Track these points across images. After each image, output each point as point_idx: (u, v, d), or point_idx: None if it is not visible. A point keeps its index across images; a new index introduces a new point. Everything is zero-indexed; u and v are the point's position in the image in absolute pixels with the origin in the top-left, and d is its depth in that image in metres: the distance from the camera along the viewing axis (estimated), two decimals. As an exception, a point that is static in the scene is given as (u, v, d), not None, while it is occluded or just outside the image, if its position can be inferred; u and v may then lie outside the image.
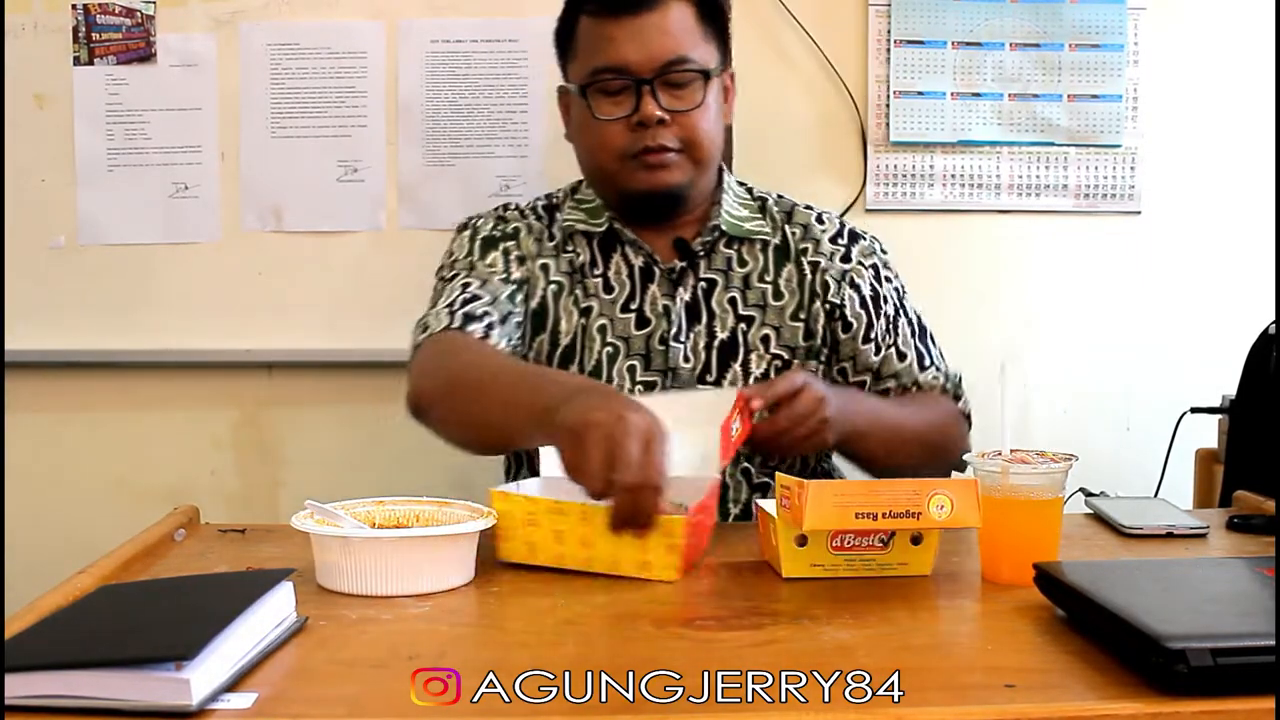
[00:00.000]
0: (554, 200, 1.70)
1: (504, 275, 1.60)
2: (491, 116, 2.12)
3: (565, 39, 1.64)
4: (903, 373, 1.64)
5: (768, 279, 1.63)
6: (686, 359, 1.60)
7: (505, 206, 1.70)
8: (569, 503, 1.17)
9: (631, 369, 1.60)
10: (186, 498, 1.50)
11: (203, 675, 0.84)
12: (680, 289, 1.62)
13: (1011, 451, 1.18)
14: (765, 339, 1.61)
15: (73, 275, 2.12)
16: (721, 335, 1.61)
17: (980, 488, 1.15)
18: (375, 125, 2.12)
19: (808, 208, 1.70)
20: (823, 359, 1.63)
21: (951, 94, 2.14)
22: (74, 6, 2.09)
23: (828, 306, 1.63)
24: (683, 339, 1.60)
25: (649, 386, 1.60)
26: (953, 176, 2.16)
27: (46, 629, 0.94)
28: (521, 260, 1.62)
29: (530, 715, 0.87)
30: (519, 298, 1.60)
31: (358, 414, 2.15)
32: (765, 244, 1.64)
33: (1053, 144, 2.15)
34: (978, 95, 2.14)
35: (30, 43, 2.10)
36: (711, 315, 1.61)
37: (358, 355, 2.12)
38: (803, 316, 1.62)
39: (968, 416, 1.67)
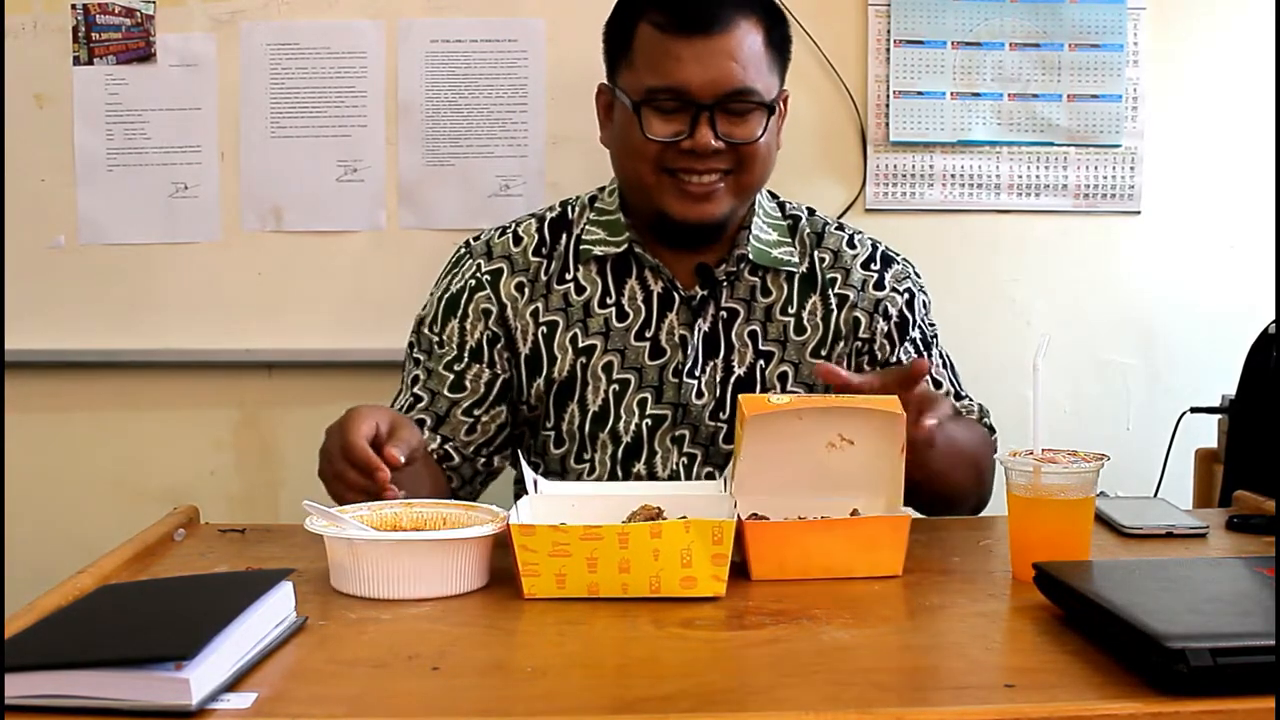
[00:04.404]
0: (569, 213, 1.62)
1: (455, 353, 1.56)
2: (491, 116, 2.12)
3: (619, 41, 1.53)
4: None
5: (790, 311, 1.57)
6: (700, 394, 1.55)
7: (504, 229, 1.62)
8: (605, 526, 1.10)
9: (642, 403, 1.55)
10: (186, 498, 1.50)
11: (202, 675, 0.84)
12: (700, 319, 1.56)
13: (1042, 450, 1.18)
14: (783, 376, 1.56)
15: (73, 275, 2.12)
16: (739, 370, 1.55)
17: (1010, 486, 1.17)
18: (375, 125, 2.12)
19: (839, 228, 1.63)
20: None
21: (951, 94, 2.13)
22: (74, 6, 2.08)
23: (857, 344, 1.58)
24: (697, 373, 1.55)
25: (659, 420, 1.55)
26: (953, 176, 2.15)
27: (46, 629, 0.94)
28: (489, 314, 1.57)
29: (531, 715, 0.87)
30: (476, 368, 1.56)
31: (358, 414, 2.14)
32: (791, 274, 1.58)
33: (1053, 144, 2.15)
34: (978, 95, 2.14)
35: (30, 43, 2.09)
36: (730, 349, 1.56)
37: (358, 355, 2.12)
38: (824, 354, 1.57)
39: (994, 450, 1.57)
